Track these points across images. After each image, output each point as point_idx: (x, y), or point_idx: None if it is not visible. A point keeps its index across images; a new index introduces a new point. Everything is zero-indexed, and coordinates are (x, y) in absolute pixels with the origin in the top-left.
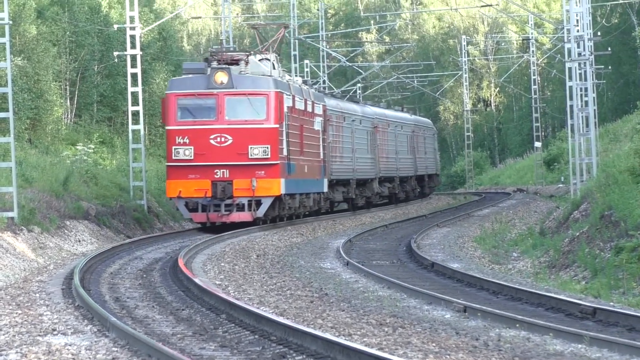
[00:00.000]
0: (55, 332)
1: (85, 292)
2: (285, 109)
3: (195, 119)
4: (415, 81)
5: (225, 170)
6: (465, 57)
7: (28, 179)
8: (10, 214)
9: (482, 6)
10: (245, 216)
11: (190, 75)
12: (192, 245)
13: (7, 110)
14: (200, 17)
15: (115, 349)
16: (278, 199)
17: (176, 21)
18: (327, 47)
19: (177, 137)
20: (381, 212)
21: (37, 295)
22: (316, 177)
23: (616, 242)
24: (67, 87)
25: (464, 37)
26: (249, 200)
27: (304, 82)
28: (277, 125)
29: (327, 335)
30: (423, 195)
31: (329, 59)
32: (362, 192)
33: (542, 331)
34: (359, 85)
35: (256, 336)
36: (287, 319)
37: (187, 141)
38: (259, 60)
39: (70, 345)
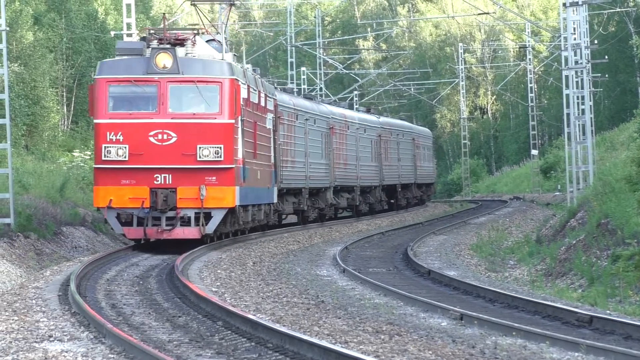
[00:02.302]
0: (51, 339)
1: (82, 299)
2: (241, 101)
3: (130, 111)
4: (412, 89)
5: (167, 175)
6: (462, 65)
7: (25, 186)
8: (6, 221)
9: (479, 14)
10: (191, 232)
11: (125, 57)
12: (189, 252)
13: (4, 117)
14: (197, 25)
15: (112, 356)
16: (231, 212)
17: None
18: (324, 54)
19: (108, 133)
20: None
21: (34, 301)
22: (267, 185)
23: (613, 250)
24: (64, 94)
25: (460, 44)
26: (196, 213)
27: (254, 70)
28: (232, 121)
29: (324, 343)
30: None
31: (325, 66)
32: (315, 203)
33: (539, 339)
34: (355, 92)
35: (253, 343)
36: (284, 326)
37: (121, 138)
38: (207, 41)
39: (66, 351)
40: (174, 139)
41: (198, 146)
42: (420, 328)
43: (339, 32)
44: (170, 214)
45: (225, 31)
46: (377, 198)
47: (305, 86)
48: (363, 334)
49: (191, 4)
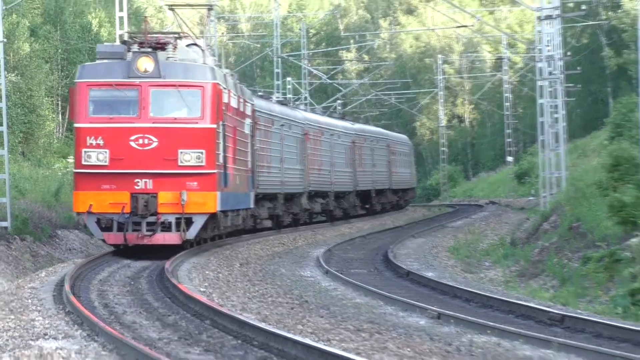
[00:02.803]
0: (46, 337)
1: (76, 299)
2: (223, 106)
3: (111, 116)
4: (393, 98)
5: (148, 180)
6: (441, 76)
7: (21, 191)
8: (4, 224)
9: (458, 27)
10: (172, 238)
11: (106, 61)
12: (178, 255)
13: (1, 125)
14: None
15: (104, 353)
16: (212, 217)
17: None
18: (309, 65)
19: (88, 138)
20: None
21: (30, 301)
22: (245, 190)
23: (584, 252)
24: (59, 103)
25: (439, 56)
26: (177, 218)
27: (231, 75)
28: (214, 126)
29: (307, 341)
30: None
31: (310, 77)
32: (289, 209)
33: (512, 337)
34: (338, 101)
35: (239, 341)
36: (269, 324)
37: (102, 143)
38: (187, 46)
39: (61, 349)
40: (155, 144)
41: (179, 151)
42: (399, 326)
43: (323, 43)
44: (151, 219)
45: (206, 36)
46: (351, 203)
47: (291, 95)
48: (345, 332)
49: (169, 9)
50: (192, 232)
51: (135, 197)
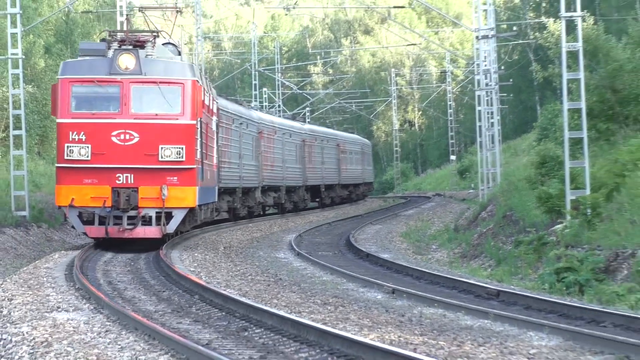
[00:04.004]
0: (59, 309)
1: (84, 277)
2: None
3: (93, 111)
4: (354, 105)
5: (129, 175)
6: (394, 86)
7: (37, 185)
8: (23, 213)
9: (408, 45)
10: (152, 231)
11: (88, 58)
12: (171, 240)
13: (21, 129)
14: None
15: (108, 323)
16: (191, 211)
17: None
18: (282, 77)
19: (70, 133)
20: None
21: (45, 279)
22: (213, 184)
23: (516, 237)
24: None
25: (393, 70)
26: (157, 212)
27: (203, 72)
28: (194, 122)
29: (281, 312)
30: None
31: (283, 87)
32: (245, 202)
33: (456, 309)
34: (307, 109)
35: (223, 313)
36: (249, 299)
37: (83, 138)
38: (163, 44)
39: (71, 320)
40: (136, 139)
41: (160, 146)
42: (360, 300)
43: (294, 59)
44: (132, 213)
45: (174, 35)
46: (301, 197)
47: (267, 104)
48: (313, 305)
49: (139, 10)
50: (171, 226)
51: (116, 192)
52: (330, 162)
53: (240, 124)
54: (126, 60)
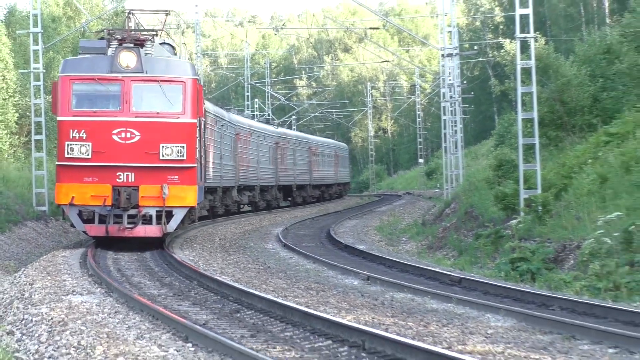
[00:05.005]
0: (74, 293)
1: (96, 265)
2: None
3: (94, 109)
4: (334, 114)
5: (130, 174)
6: (369, 98)
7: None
8: (43, 208)
9: (382, 62)
10: (152, 230)
11: (89, 56)
12: (173, 231)
13: (41, 134)
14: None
15: (117, 305)
16: (190, 210)
17: None
18: (271, 89)
19: (71, 131)
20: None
21: (62, 266)
22: (202, 184)
23: (476, 230)
24: None
25: (368, 83)
26: (157, 211)
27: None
28: (195, 120)
29: (269, 296)
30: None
31: (272, 98)
32: (223, 200)
33: (423, 294)
34: (293, 117)
35: (218, 297)
36: (241, 284)
37: (84, 136)
38: (160, 44)
39: (85, 302)
40: (137, 138)
41: (161, 145)
42: (339, 286)
43: (282, 73)
44: (132, 212)
45: (161, 34)
46: (274, 196)
47: (257, 112)
48: (298, 290)
49: (127, 14)
50: (172, 225)
51: (117, 190)
52: (301, 164)
53: (222, 125)
54: (127, 58)
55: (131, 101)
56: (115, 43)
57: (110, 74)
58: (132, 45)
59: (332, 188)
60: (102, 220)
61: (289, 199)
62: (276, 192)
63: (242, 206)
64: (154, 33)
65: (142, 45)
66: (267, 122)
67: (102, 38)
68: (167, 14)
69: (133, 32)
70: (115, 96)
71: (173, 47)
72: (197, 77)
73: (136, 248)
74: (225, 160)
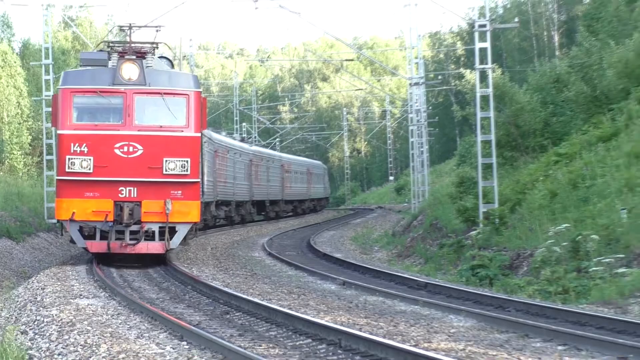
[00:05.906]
0: (81, 297)
1: (101, 271)
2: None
3: (96, 122)
4: (314, 137)
5: (132, 189)
6: (345, 122)
7: None
8: (53, 221)
9: (356, 90)
10: (155, 247)
11: (90, 68)
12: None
13: (52, 154)
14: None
15: (120, 308)
16: (193, 226)
17: None
18: (257, 114)
19: (72, 145)
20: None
21: (70, 272)
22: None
23: (440, 240)
24: None
25: (344, 109)
26: (160, 227)
27: None
28: (199, 134)
29: (256, 299)
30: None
31: (258, 123)
32: (203, 215)
33: (393, 297)
34: (277, 139)
35: (210, 300)
36: (230, 289)
37: (85, 150)
38: (158, 57)
39: (91, 305)
40: (140, 152)
41: (164, 159)
42: (318, 290)
43: (267, 100)
44: (134, 227)
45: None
46: (248, 211)
47: (245, 135)
48: (281, 294)
49: (120, 29)
50: (175, 241)
51: (119, 205)
52: (274, 180)
53: (205, 142)
54: (130, 71)
55: (134, 114)
56: (116, 55)
57: (112, 86)
58: (134, 57)
59: (304, 203)
60: (104, 236)
61: (263, 213)
62: (250, 207)
63: (218, 220)
64: (154, 46)
65: (143, 58)
66: (243, 140)
67: (102, 50)
68: (157, 30)
69: (134, 44)
70: (117, 109)
71: (171, 61)
72: (200, 90)
73: (137, 258)
74: (207, 176)
